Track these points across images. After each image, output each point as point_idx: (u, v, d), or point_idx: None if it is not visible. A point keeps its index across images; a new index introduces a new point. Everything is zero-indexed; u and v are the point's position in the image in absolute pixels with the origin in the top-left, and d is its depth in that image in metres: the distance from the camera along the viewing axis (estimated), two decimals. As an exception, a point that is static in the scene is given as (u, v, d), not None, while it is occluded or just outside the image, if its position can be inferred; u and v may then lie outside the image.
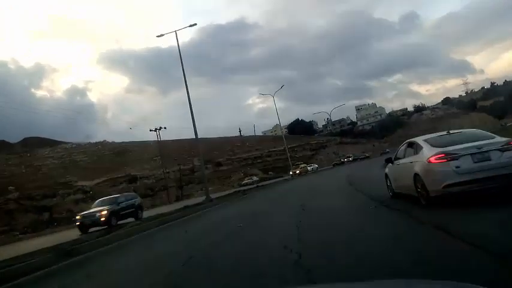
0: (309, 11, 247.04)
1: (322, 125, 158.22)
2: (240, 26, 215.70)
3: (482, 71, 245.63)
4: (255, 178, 52.96)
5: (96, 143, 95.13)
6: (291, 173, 49.64)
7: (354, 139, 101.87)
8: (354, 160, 64.22)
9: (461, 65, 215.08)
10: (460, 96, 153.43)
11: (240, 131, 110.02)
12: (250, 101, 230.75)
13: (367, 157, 68.92)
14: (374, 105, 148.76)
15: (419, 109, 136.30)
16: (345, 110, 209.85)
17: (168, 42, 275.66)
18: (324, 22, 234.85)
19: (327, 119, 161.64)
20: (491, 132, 7.61)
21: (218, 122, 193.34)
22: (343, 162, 61.21)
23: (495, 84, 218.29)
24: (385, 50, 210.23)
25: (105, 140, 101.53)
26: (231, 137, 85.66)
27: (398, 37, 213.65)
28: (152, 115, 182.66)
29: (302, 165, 54.56)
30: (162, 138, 54.45)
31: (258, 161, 70.74)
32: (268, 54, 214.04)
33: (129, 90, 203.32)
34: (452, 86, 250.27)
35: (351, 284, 2.49)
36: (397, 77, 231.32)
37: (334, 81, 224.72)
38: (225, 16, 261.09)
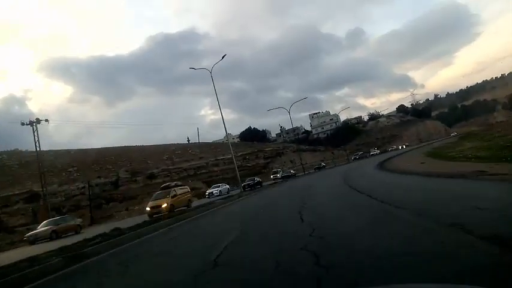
0: (260, 24, 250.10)
1: (276, 134, 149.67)
2: (190, 36, 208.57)
3: (422, 86, 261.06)
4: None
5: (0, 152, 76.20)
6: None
7: (311, 146, 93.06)
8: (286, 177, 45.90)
9: (403, 79, 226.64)
10: (407, 108, 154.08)
11: (188, 139, 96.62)
12: (202, 112, 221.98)
13: (323, 167, 59.23)
14: (328, 112, 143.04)
15: (374, 117, 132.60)
16: (299, 120, 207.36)
17: (115, 51, 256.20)
18: (275, 35, 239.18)
19: (281, 127, 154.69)
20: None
21: (169, 134, 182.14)
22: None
23: (438, 96, 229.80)
24: (333, 64, 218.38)
25: (17, 149, 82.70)
26: (170, 144, 72.05)
27: (346, 52, 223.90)
28: (97, 125, 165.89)
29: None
30: (90, 147, 40.13)
31: (202, 171, 58.19)
32: (220, 65, 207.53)
33: (73, 100, 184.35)
34: (396, 100, 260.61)
35: None
36: (345, 90, 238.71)
37: (285, 94, 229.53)
38: (175, 25, 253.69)
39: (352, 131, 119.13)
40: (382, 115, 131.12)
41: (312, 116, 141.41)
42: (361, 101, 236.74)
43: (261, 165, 63.68)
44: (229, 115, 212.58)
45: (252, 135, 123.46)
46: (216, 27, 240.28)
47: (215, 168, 58.89)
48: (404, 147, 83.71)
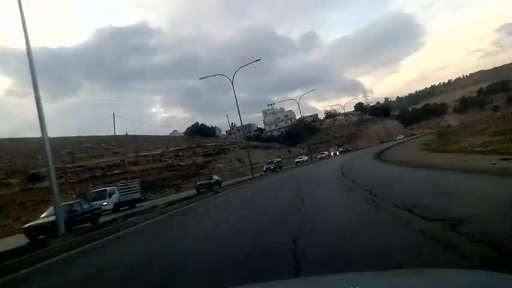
0: (215, 22, 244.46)
1: (226, 131, 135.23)
2: (142, 31, 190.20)
3: (371, 91, 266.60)
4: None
5: None
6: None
7: (264, 143, 79.90)
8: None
9: (353, 84, 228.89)
10: (365, 106, 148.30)
11: (126, 134, 76.71)
12: (153, 110, 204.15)
13: (279, 167, 46.00)
14: (282, 109, 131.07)
15: (331, 115, 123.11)
16: (253, 119, 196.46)
17: (58, 43, 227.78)
18: (230, 34, 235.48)
19: (232, 123, 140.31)
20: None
21: (116, 132, 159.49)
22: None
23: (389, 100, 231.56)
24: (287, 66, 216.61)
25: None
26: (75, 136, 54.26)
27: (299, 55, 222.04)
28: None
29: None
30: None
31: (115, 171, 42.00)
32: (172, 62, 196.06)
33: (11, 93, 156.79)
34: (346, 104, 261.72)
35: (356, 274, 2.50)
36: (297, 92, 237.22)
37: (238, 94, 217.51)
38: (126, 19, 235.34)
39: (309, 129, 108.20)
40: (340, 113, 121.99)
41: (265, 112, 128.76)
42: (313, 103, 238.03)
43: (199, 165, 48.86)
44: (182, 114, 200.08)
45: (199, 132, 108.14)
46: (170, 23, 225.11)
47: (134, 168, 42.98)
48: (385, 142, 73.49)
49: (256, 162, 57.91)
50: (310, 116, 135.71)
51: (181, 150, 50.85)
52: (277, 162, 48.34)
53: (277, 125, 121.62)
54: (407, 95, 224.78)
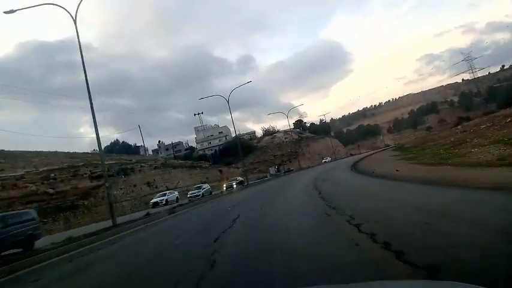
0: (149, 39, 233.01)
1: (153, 150, 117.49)
2: (70, 46, 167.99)
3: (306, 113, 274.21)
4: None
5: None
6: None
7: (190, 162, 65.21)
8: None
9: (289, 107, 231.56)
10: (305, 123, 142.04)
11: None
12: (82, 130, 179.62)
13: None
14: (217, 126, 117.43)
15: (269, 132, 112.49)
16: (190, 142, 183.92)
17: None
18: (165, 53, 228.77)
19: (159, 141, 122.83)
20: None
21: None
22: None
23: (324, 121, 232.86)
24: (224, 88, 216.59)
25: None
26: None
27: (237, 77, 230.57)
28: None
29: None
30: None
31: None
32: (103, 80, 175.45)
33: None
34: (281, 126, 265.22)
35: (354, 285, 2.35)
36: (235, 114, 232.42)
37: (175, 114, 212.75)
38: (53, 33, 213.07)
39: (245, 147, 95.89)
40: (279, 130, 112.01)
41: (197, 129, 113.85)
42: (250, 125, 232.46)
43: (82, 191, 32.59)
44: (113, 134, 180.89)
45: (118, 151, 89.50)
46: (101, 38, 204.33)
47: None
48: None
49: (175, 187, 43.08)
50: (248, 134, 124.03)
51: (57, 171, 34.18)
52: (205, 189, 34.93)
53: (210, 143, 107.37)
54: (340, 117, 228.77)
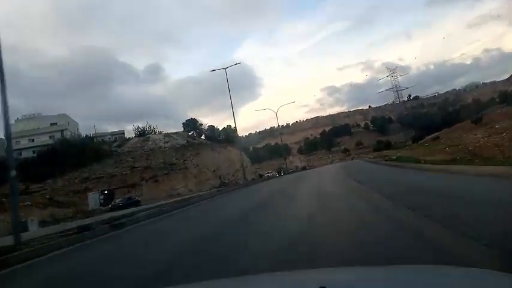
0: (46, 35, 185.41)
1: None
2: None
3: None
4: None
5: None
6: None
7: None
8: None
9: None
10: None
11: None
12: None
13: None
14: (64, 115, 72.84)
15: (143, 133, 73.35)
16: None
17: None
18: (63, 52, 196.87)
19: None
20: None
21: None
22: None
23: (229, 126, 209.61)
24: (128, 96, 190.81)
25: None
26: None
27: (143, 86, 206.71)
28: None
29: None
30: None
31: None
32: None
33: None
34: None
35: (360, 268, 2.49)
36: (139, 124, 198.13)
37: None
38: None
39: (92, 151, 55.47)
40: (160, 132, 73.76)
41: (17, 118, 67.81)
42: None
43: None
44: None
45: None
46: None
47: None
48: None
49: None
50: (112, 134, 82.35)
51: None
52: None
53: (33, 140, 63.12)
54: (246, 134, 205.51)
